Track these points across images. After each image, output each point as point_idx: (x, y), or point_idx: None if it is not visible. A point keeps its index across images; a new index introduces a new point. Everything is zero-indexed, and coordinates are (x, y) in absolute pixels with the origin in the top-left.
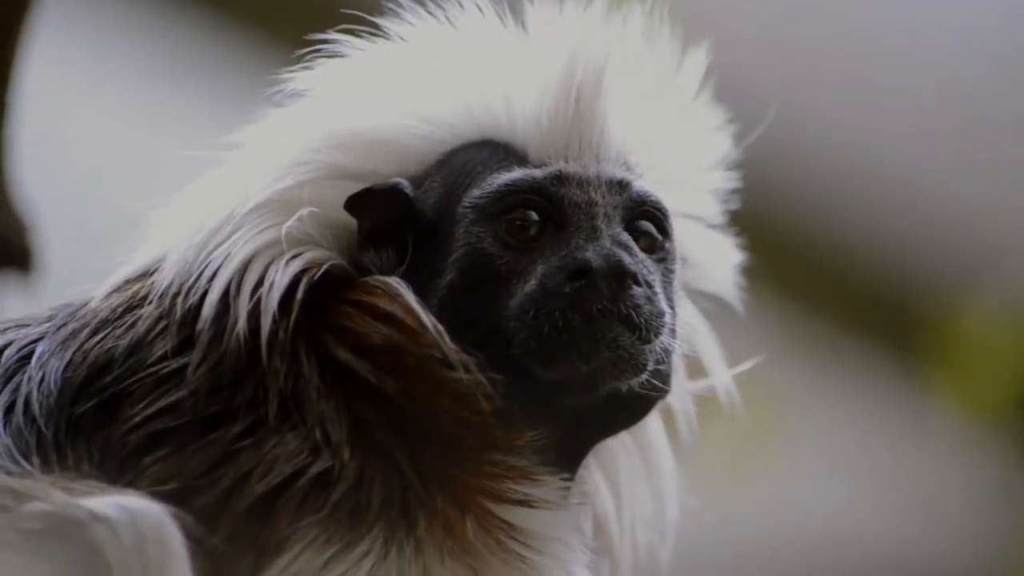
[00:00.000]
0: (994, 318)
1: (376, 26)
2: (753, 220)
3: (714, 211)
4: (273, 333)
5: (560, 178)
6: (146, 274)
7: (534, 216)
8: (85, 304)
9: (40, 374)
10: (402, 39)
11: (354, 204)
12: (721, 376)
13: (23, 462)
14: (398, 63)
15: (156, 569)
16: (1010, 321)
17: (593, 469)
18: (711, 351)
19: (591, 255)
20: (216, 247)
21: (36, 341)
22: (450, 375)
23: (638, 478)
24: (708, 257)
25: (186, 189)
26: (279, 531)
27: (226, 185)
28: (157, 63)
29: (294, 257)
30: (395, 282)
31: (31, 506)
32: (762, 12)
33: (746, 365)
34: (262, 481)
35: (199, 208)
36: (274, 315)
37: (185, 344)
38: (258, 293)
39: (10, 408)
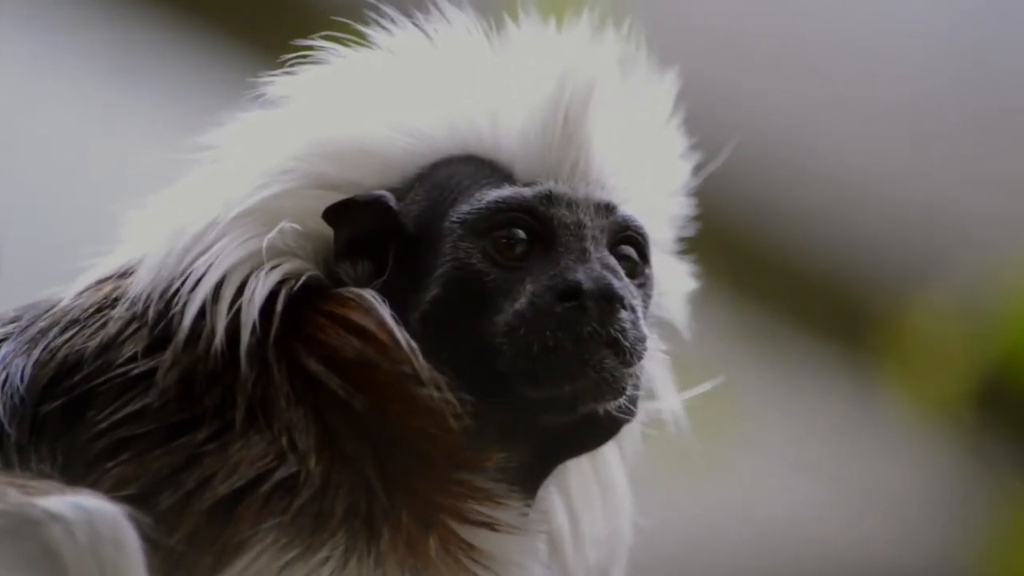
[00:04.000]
0: (946, 314)
1: (359, 34)
2: (706, 218)
3: (672, 237)
4: (251, 344)
5: (550, 198)
6: (121, 275)
7: (523, 235)
8: (54, 304)
9: (4, 374)
10: (386, 49)
11: (333, 214)
12: (671, 401)
13: None
14: (382, 73)
15: (112, 569)
16: (962, 316)
17: (550, 488)
18: (663, 376)
19: (582, 277)
20: (199, 255)
21: (1, 341)
22: (421, 392)
23: (592, 496)
24: (663, 283)
25: (163, 190)
26: (240, 532)
27: (206, 189)
28: (123, 63)
29: (273, 268)
30: (370, 295)
31: None
32: (720, 14)
33: (700, 389)
34: (225, 483)
35: (178, 211)
36: (254, 325)
37: (156, 347)
38: (238, 303)
39: None
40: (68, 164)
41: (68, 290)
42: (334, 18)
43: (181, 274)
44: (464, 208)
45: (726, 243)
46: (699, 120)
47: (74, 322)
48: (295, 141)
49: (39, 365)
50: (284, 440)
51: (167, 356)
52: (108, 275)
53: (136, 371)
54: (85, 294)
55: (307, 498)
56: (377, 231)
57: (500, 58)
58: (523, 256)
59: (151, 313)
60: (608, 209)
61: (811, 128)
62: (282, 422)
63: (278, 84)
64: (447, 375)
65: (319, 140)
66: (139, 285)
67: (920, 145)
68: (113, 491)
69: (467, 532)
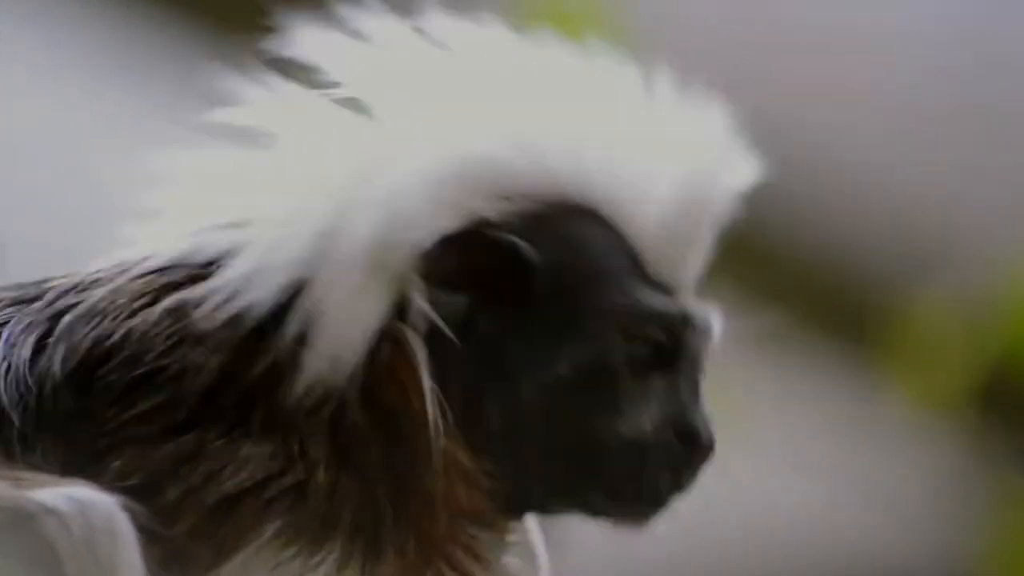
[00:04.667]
0: (949, 310)
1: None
2: None
3: None
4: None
5: (687, 319)
6: (160, 271)
7: (659, 350)
8: (74, 287)
9: (8, 360)
10: (464, 47)
11: (453, 242)
12: None
13: None
14: (475, 73)
15: (107, 561)
16: (965, 313)
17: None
18: None
19: (699, 424)
20: (312, 280)
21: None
22: (448, 459)
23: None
24: None
25: (195, 176)
26: (242, 529)
27: (273, 186)
28: (127, 60)
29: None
30: (421, 353)
31: None
32: (718, 4)
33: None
34: (233, 480)
35: (250, 209)
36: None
37: (195, 345)
38: (330, 339)
39: None
40: (71, 161)
41: (81, 273)
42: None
43: (280, 292)
44: (619, 300)
45: (725, 238)
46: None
47: (100, 312)
48: (389, 141)
49: (61, 356)
50: (296, 447)
51: (211, 360)
52: (145, 269)
53: (166, 370)
54: (111, 283)
55: (313, 505)
56: (495, 273)
57: (636, 108)
58: (650, 369)
59: (218, 314)
60: (710, 334)
61: (813, 122)
62: (296, 429)
63: (317, 57)
64: (507, 446)
65: (431, 147)
66: (217, 290)
67: (922, 140)
68: (116, 482)
69: None
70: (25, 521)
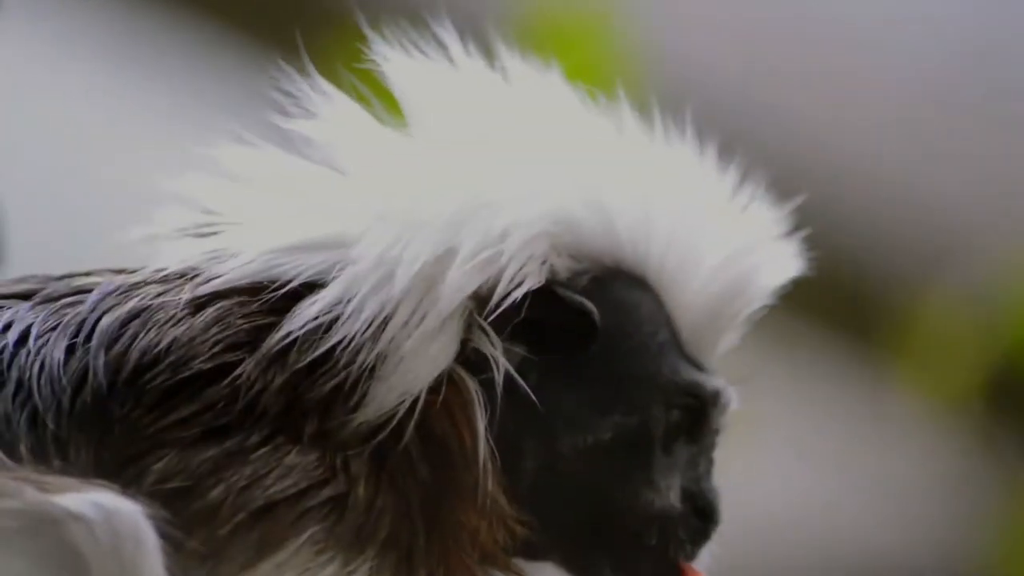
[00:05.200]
0: (956, 305)
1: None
2: None
3: None
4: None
5: (717, 396)
6: (219, 279)
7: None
8: (115, 290)
9: (40, 359)
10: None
11: (527, 295)
12: None
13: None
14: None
15: (131, 568)
16: (972, 307)
17: None
18: None
19: (715, 500)
20: (404, 311)
21: (10, 323)
22: (482, 501)
23: None
24: None
25: (267, 187)
26: (280, 534)
27: (348, 205)
28: (133, 53)
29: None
30: (477, 394)
31: (4, 503)
32: (723, 2)
33: None
34: (277, 486)
35: (322, 231)
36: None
37: (240, 354)
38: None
39: None
40: (76, 154)
41: (118, 278)
42: (355, 18)
43: (367, 323)
44: (665, 372)
45: None
46: (705, 113)
47: (144, 318)
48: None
49: (104, 360)
50: (339, 460)
51: (268, 374)
52: (197, 279)
53: (211, 376)
54: (156, 289)
55: (350, 516)
56: (558, 330)
57: (679, 170)
58: (677, 441)
59: (306, 341)
60: (729, 410)
61: (820, 119)
62: (345, 445)
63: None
64: (540, 502)
65: (522, 201)
66: (310, 311)
67: (931, 137)
68: (158, 484)
69: None
70: (51, 526)
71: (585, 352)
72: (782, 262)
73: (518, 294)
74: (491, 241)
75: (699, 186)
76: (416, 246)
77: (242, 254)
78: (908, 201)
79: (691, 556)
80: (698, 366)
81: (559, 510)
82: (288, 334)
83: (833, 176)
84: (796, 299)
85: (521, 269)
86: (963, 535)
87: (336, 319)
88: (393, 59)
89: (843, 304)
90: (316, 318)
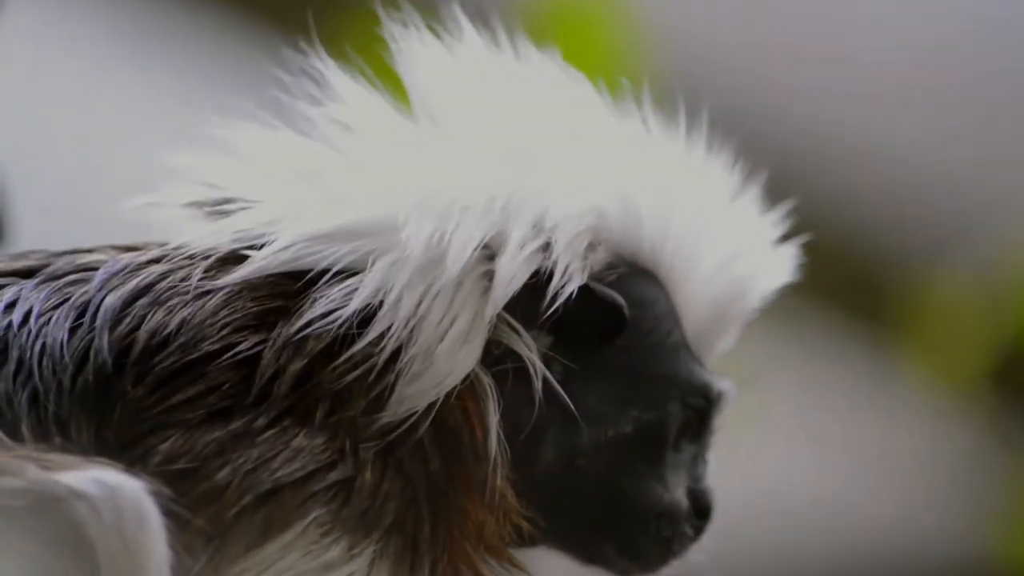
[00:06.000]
0: (966, 288)
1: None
2: None
3: None
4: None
5: (721, 394)
6: (232, 259)
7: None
8: (122, 269)
9: (42, 338)
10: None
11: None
12: None
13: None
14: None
15: (135, 545)
16: (982, 291)
17: None
18: None
19: (711, 500)
20: (440, 303)
21: (15, 301)
22: (488, 494)
23: None
24: None
25: (278, 172)
26: (286, 515)
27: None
28: (143, 37)
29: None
30: (491, 390)
31: (6, 482)
32: None
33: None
34: (285, 468)
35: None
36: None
37: (249, 336)
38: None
39: None
40: (84, 133)
41: (123, 257)
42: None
43: (403, 318)
44: (681, 369)
45: None
46: (709, 87)
47: (152, 298)
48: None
49: (109, 340)
50: (347, 445)
51: (286, 358)
52: (207, 258)
53: (218, 357)
54: (164, 269)
55: (357, 500)
56: (588, 323)
57: (690, 169)
58: (684, 437)
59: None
60: (725, 407)
61: (829, 99)
62: (355, 431)
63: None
64: (556, 497)
65: (563, 198)
66: (358, 295)
67: (939, 117)
68: (163, 465)
69: None
70: (54, 504)
71: (611, 346)
72: (783, 264)
73: (570, 288)
74: (541, 233)
75: (708, 182)
76: (464, 232)
77: (276, 240)
78: (916, 183)
79: (683, 553)
80: (702, 366)
81: (573, 500)
82: (310, 323)
83: (843, 158)
84: (804, 283)
85: (570, 263)
86: (971, 517)
87: (374, 309)
88: (410, 45)
89: (851, 287)
90: (355, 311)
